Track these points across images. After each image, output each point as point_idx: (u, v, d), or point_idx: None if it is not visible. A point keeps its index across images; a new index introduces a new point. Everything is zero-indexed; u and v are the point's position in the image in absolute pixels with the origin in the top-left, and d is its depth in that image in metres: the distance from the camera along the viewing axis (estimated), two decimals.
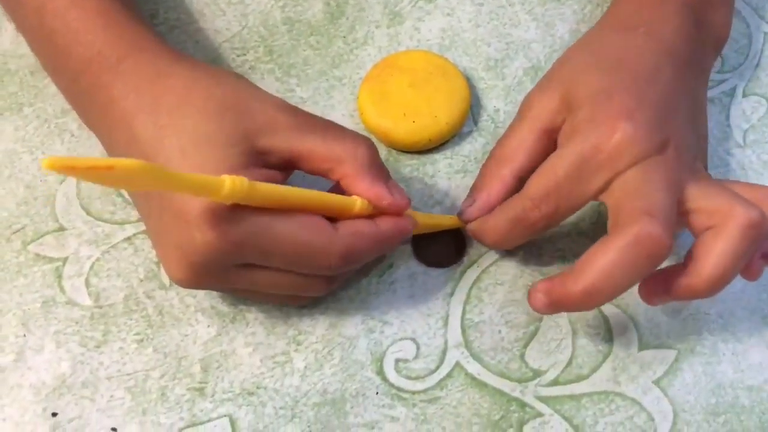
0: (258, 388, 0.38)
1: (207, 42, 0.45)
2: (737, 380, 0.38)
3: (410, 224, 0.36)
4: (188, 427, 0.37)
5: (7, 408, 0.37)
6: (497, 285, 0.40)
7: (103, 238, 0.41)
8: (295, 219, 0.33)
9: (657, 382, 0.38)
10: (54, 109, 0.43)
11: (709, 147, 0.43)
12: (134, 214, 0.41)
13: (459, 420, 0.37)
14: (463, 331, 0.39)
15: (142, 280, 0.40)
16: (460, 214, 0.39)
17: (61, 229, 0.41)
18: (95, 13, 0.36)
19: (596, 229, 0.41)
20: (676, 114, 0.36)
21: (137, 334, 0.39)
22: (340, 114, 0.44)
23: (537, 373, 0.38)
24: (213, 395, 0.38)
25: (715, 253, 0.33)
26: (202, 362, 0.38)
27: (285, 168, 0.35)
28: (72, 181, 0.42)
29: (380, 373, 0.38)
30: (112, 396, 0.38)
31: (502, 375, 0.38)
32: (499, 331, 0.39)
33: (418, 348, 0.39)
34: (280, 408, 0.37)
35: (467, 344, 0.39)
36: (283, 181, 0.35)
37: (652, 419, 0.37)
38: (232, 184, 0.29)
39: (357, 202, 0.35)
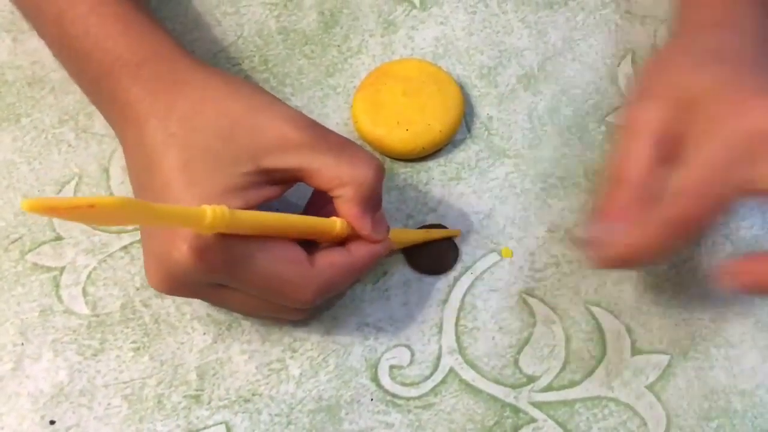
0: (254, 395, 0.38)
1: (203, 52, 0.46)
2: (730, 385, 0.38)
3: (384, 249, 0.36)
4: None
5: (5, 416, 0.38)
6: (491, 291, 0.40)
7: (100, 248, 0.41)
8: (275, 251, 0.33)
9: (650, 387, 0.38)
10: (51, 119, 0.44)
11: None
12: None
13: (453, 426, 0.37)
14: (457, 337, 0.39)
15: (138, 289, 0.40)
16: (597, 247, 0.35)
17: (59, 238, 0.41)
18: (114, 19, 0.37)
19: None
20: None
21: (134, 342, 0.39)
22: (334, 122, 0.44)
23: (531, 379, 0.38)
24: (209, 402, 0.38)
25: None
26: (198, 370, 0.39)
27: (289, 182, 0.35)
28: (69, 191, 0.42)
29: (375, 379, 0.38)
30: (109, 404, 0.38)
31: (496, 381, 0.38)
32: (493, 338, 0.39)
33: (412, 354, 0.39)
34: (276, 415, 0.38)
35: (461, 350, 0.39)
36: (283, 194, 0.35)
37: (645, 424, 0.37)
38: (213, 215, 0.29)
39: (336, 225, 0.35)
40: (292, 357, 0.39)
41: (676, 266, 0.40)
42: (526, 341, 0.39)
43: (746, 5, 0.38)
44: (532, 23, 0.47)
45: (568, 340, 0.39)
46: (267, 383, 0.38)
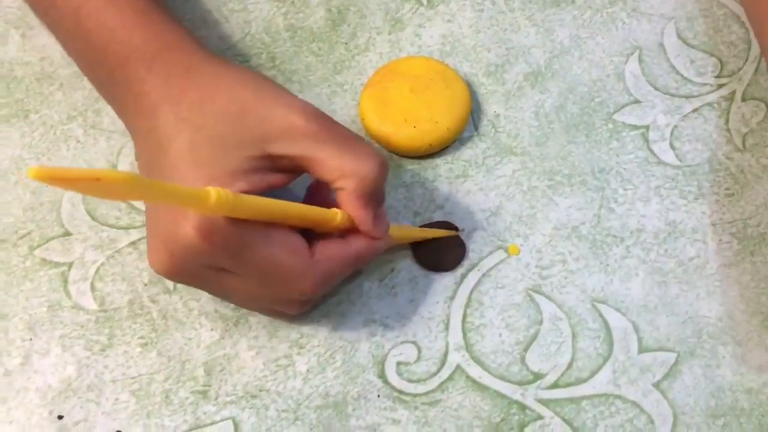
0: (261, 390, 0.38)
1: (210, 49, 0.45)
2: (737, 383, 0.38)
3: (383, 244, 0.37)
4: (192, 429, 0.37)
5: (13, 411, 0.38)
6: (498, 288, 0.40)
7: (108, 243, 0.41)
8: (277, 239, 0.33)
9: (657, 385, 0.38)
10: (60, 115, 0.44)
11: (709, 151, 0.43)
12: (139, 219, 0.42)
13: (460, 423, 0.38)
14: (464, 334, 0.39)
15: (146, 285, 0.40)
16: None
17: (67, 234, 0.41)
18: (131, 12, 0.37)
19: (596, 233, 0.41)
20: None
21: (141, 337, 0.39)
22: (341, 119, 0.44)
23: (537, 376, 0.38)
24: (216, 398, 0.38)
25: None
26: (206, 365, 0.39)
27: (294, 171, 0.36)
28: None
29: (382, 376, 0.39)
30: (117, 399, 0.38)
31: (502, 378, 0.38)
32: (500, 335, 0.39)
33: (419, 351, 0.39)
34: (283, 411, 0.38)
35: (468, 347, 0.39)
36: (288, 184, 0.36)
37: (652, 422, 0.37)
38: (218, 197, 0.29)
39: (338, 216, 0.35)
40: (299, 353, 0.39)
41: (683, 264, 0.41)
42: (533, 338, 0.39)
43: None
44: (539, 21, 0.47)
45: (574, 337, 0.39)
46: (274, 379, 0.38)
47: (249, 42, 0.46)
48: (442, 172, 0.43)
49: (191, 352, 0.39)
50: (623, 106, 0.44)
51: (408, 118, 0.42)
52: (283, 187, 0.36)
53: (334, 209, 0.35)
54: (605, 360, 0.39)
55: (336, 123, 0.36)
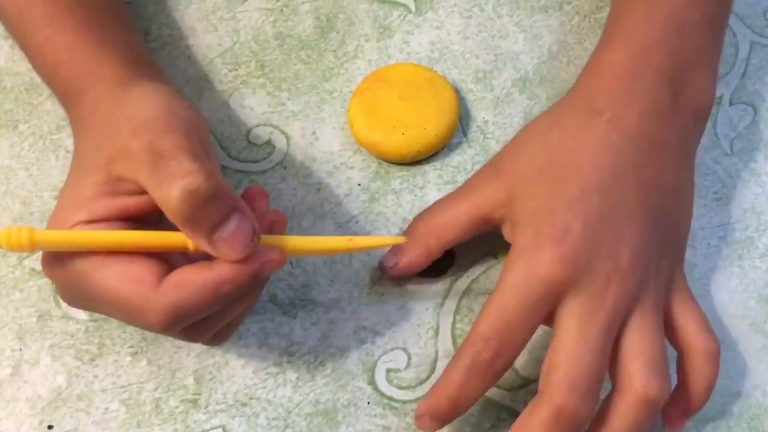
0: (251, 399, 0.38)
1: (199, 57, 0.46)
2: (726, 387, 0.38)
3: (256, 266, 0.31)
4: None
5: (3, 421, 0.38)
6: (487, 294, 0.40)
7: None
8: (114, 269, 0.31)
9: None
10: (49, 125, 0.44)
11: (697, 155, 0.43)
12: None
13: (450, 429, 0.38)
14: (454, 340, 0.39)
15: None
16: (383, 270, 0.40)
17: None
18: (63, 49, 0.38)
19: None
20: (630, 227, 0.35)
21: (131, 346, 0.39)
22: (330, 127, 0.44)
23: (527, 382, 0.39)
24: (207, 406, 0.38)
25: (611, 424, 0.33)
26: (196, 374, 0.39)
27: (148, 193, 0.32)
28: None
29: (371, 383, 0.39)
30: (107, 408, 0.38)
31: None
32: None
33: (409, 358, 0.39)
34: (273, 419, 0.38)
35: None
36: (151, 208, 0.32)
37: None
38: (8, 239, 0.30)
39: (189, 240, 0.32)
40: (289, 361, 0.39)
41: None
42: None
43: (646, 87, 0.37)
44: (527, 27, 0.47)
45: None
46: (264, 387, 0.38)
47: (238, 50, 0.46)
48: (431, 178, 0.43)
49: (181, 360, 0.39)
50: None
51: (397, 125, 0.42)
52: (143, 211, 0.32)
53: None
54: None
55: (167, 136, 0.31)
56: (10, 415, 0.38)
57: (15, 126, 0.44)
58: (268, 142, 0.44)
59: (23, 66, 0.46)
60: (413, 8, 0.47)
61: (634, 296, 0.34)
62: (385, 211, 0.42)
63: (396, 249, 0.39)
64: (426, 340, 0.39)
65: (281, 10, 0.47)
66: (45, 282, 0.41)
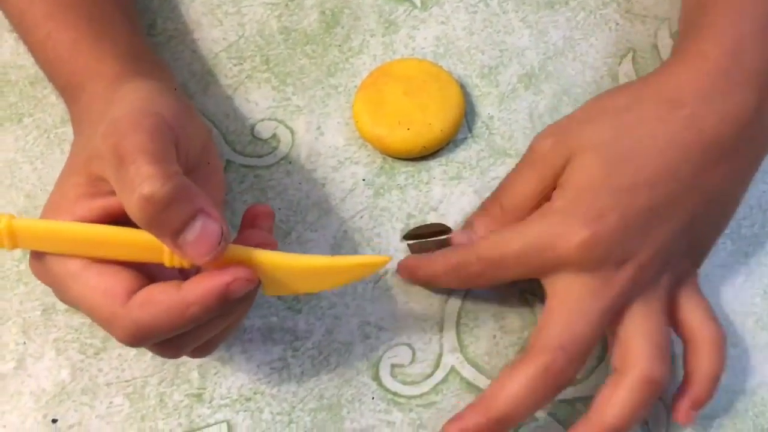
0: (255, 393, 0.38)
1: (204, 52, 0.46)
2: (731, 384, 0.38)
3: (236, 281, 0.30)
4: None
5: (7, 415, 0.38)
6: (492, 290, 0.40)
7: None
8: (88, 279, 0.31)
9: None
10: (54, 119, 0.44)
11: None
12: None
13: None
14: (458, 336, 0.39)
15: None
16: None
17: None
18: (63, 47, 0.38)
19: None
20: (663, 225, 0.34)
21: None
22: (335, 122, 0.44)
23: None
24: (211, 401, 0.38)
25: (613, 403, 0.34)
26: (200, 368, 0.39)
27: None
28: None
29: (376, 378, 0.39)
30: (111, 402, 0.38)
31: None
32: (494, 336, 0.39)
33: (413, 353, 0.39)
34: (278, 413, 0.38)
35: (462, 349, 0.39)
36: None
37: (646, 423, 0.37)
38: None
39: (164, 248, 0.30)
40: (293, 356, 0.39)
41: None
42: (528, 340, 0.39)
43: (737, 89, 0.35)
44: (533, 23, 0.47)
45: None
46: (268, 382, 0.38)
47: (243, 44, 0.46)
48: (435, 174, 0.43)
49: None
50: None
51: (402, 120, 0.42)
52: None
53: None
54: (599, 361, 0.39)
55: (132, 135, 0.30)
56: (14, 409, 0.38)
57: (19, 119, 0.44)
58: (273, 137, 0.44)
59: (28, 59, 0.45)
60: (419, 3, 0.47)
61: (643, 287, 0.35)
62: (390, 206, 0.42)
63: (469, 223, 0.39)
64: (431, 335, 0.39)
65: (286, 5, 0.47)
66: None
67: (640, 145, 0.35)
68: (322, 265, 0.32)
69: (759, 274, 0.41)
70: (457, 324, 0.40)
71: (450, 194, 0.42)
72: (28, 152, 0.43)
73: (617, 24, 0.47)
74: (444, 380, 0.38)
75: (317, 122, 0.44)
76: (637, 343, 0.34)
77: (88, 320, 0.40)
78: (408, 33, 0.46)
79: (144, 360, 0.39)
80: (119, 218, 0.31)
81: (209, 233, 0.30)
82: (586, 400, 0.38)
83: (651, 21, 0.47)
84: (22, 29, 0.40)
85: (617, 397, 0.34)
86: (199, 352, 0.34)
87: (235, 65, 0.45)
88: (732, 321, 0.40)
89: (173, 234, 0.29)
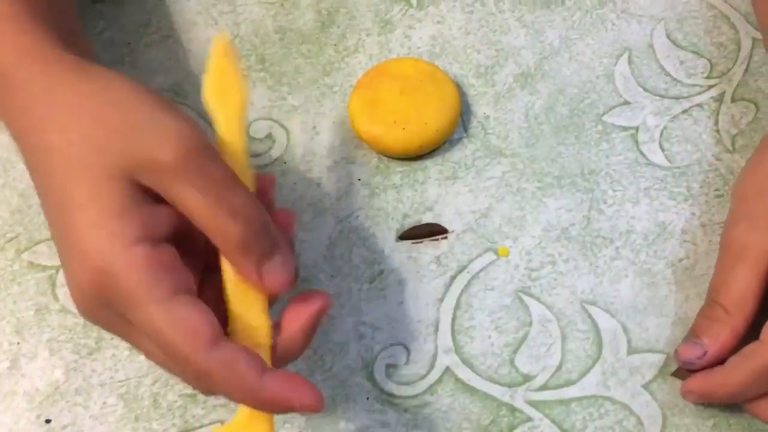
0: None
1: (199, 51, 0.46)
2: None
3: (307, 401, 0.30)
4: None
5: (1, 415, 0.38)
6: (487, 290, 0.40)
7: None
8: (176, 310, 0.29)
9: (646, 387, 0.38)
10: None
11: (698, 152, 0.43)
12: None
13: (449, 425, 0.37)
14: (453, 336, 0.39)
15: None
16: (683, 363, 0.37)
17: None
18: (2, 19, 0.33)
19: (585, 235, 0.41)
20: None
21: None
22: (331, 121, 0.44)
23: (527, 378, 0.38)
24: (205, 401, 0.38)
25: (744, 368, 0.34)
26: None
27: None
28: None
29: (371, 378, 0.38)
30: (105, 403, 0.38)
31: (491, 380, 0.38)
32: (489, 337, 0.39)
33: (408, 354, 0.39)
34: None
35: (457, 350, 0.39)
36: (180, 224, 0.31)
37: (642, 423, 0.37)
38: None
39: (263, 329, 0.31)
40: None
41: (673, 265, 0.41)
42: (522, 340, 0.39)
43: None
44: (529, 22, 0.47)
45: (564, 339, 0.39)
46: None
47: (238, 44, 0.46)
48: (431, 173, 0.43)
49: None
50: (613, 108, 0.44)
51: (397, 120, 0.42)
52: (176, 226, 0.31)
53: (263, 318, 0.31)
54: (594, 361, 0.39)
55: (214, 160, 0.30)
56: (7, 409, 0.38)
57: None
58: (269, 137, 0.44)
59: None
60: (414, 3, 0.47)
61: None
62: (385, 206, 0.42)
63: (693, 335, 0.37)
64: (426, 335, 0.39)
65: (282, 4, 0.47)
66: (43, 275, 0.40)
67: None
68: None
69: None
70: (452, 324, 0.40)
71: (445, 194, 0.42)
72: None
73: (613, 24, 0.47)
74: (439, 381, 0.38)
75: (312, 122, 0.44)
76: None
77: (81, 320, 0.39)
78: (404, 32, 0.46)
79: (138, 360, 0.39)
80: (172, 230, 0.30)
81: (289, 265, 0.31)
82: (582, 401, 0.38)
83: (647, 21, 0.47)
84: None
85: (751, 366, 0.34)
86: None
87: None
88: None
89: (260, 259, 0.31)
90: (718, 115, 0.44)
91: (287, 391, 0.30)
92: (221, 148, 0.32)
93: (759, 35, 0.46)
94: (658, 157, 0.43)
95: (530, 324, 0.39)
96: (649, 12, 0.47)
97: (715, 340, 0.36)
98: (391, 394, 0.38)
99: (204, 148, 0.30)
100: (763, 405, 0.35)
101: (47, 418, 0.38)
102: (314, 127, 0.44)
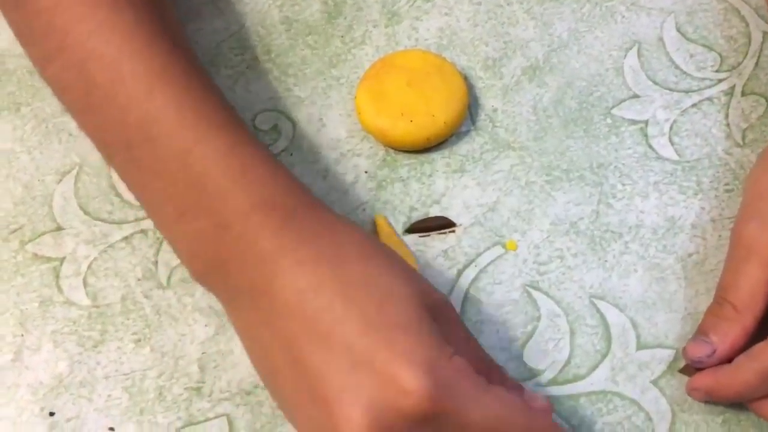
0: (255, 387, 0.38)
1: (205, 42, 0.45)
2: None
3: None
4: (186, 426, 0.37)
5: (4, 408, 0.37)
6: (495, 284, 0.40)
7: (101, 238, 0.41)
8: (499, 392, 0.31)
9: (655, 382, 0.38)
10: (52, 108, 0.44)
11: (708, 146, 0.43)
12: (131, 214, 0.41)
13: None
14: None
15: (139, 280, 0.40)
16: (692, 361, 0.36)
17: (59, 228, 0.41)
18: (260, 161, 0.33)
19: (594, 229, 0.41)
20: None
21: (135, 333, 0.39)
22: (337, 113, 0.44)
23: (535, 373, 0.38)
24: (210, 395, 0.38)
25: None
26: (200, 362, 0.38)
27: None
28: (69, 180, 0.42)
29: None
30: (109, 395, 0.38)
31: None
32: (497, 331, 0.39)
33: None
34: (277, 407, 0.37)
35: None
36: None
37: (651, 419, 0.37)
38: None
39: None
40: None
41: (682, 260, 0.40)
42: (531, 335, 0.39)
43: None
44: (538, 15, 0.46)
45: (572, 333, 0.39)
46: None
47: (244, 35, 0.45)
48: (438, 166, 0.42)
49: (185, 348, 0.38)
50: (622, 101, 0.44)
51: (405, 112, 0.42)
52: None
53: None
54: (603, 357, 0.38)
55: (449, 318, 0.33)
56: (11, 402, 0.37)
57: (17, 109, 0.44)
58: (275, 128, 0.43)
59: None
60: None
61: None
62: (392, 199, 0.42)
63: (701, 333, 0.36)
64: None
65: None
66: (47, 267, 0.40)
67: None
68: None
69: None
70: (461, 317, 0.39)
71: (453, 187, 0.42)
72: (26, 142, 0.43)
73: (623, 16, 0.46)
74: None
75: (319, 114, 0.44)
76: None
77: (86, 312, 0.39)
78: (411, 24, 0.46)
79: (143, 353, 0.38)
80: None
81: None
82: (591, 396, 0.37)
83: (657, 13, 0.47)
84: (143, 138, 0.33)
85: (757, 367, 0.34)
86: None
87: (236, 55, 0.45)
88: None
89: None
90: (728, 108, 0.44)
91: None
92: None
93: None
94: (667, 151, 0.43)
95: (538, 318, 0.39)
96: (659, 5, 0.47)
97: (725, 339, 0.35)
98: None
99: (440, 305, 0.33)
100: (767, 405, 0.35)
101: (51, 410, 0.37)
102: (320, 119, 0.43)
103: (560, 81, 0.45)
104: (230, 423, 0.37)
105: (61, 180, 0.42)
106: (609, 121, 0.44)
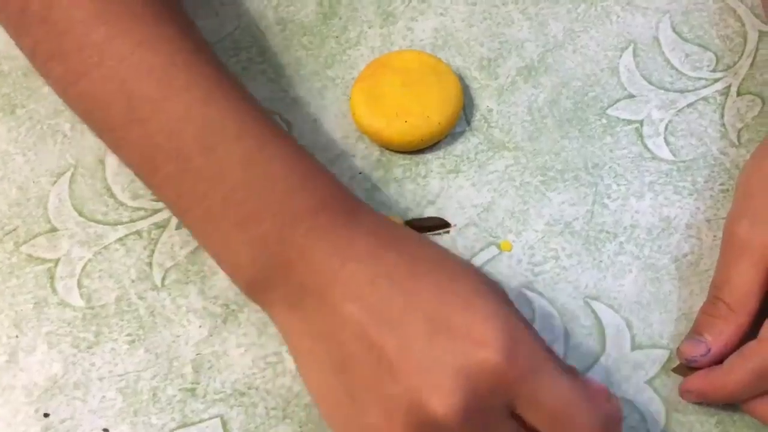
0: (249, 388, 0.38)
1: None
2: None
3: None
4: (180, 427, 0.37)
5: None
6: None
7: (95, 239, 0.41)
8: (572, 376, 0.31)
9: (650, 382, 0.38)
10: (47, 110, 0.44)
11: (703, 146, 0.43)
12: (126, 216, 0.41)
13: None
14: None
15: (134, 281, 0.40)
16: (686, 361, 0.36)
17: (54, 230, 0.41)
18: (316, 163, 0.34)
19: (589, 229, 0.41)
20: None
21: (129, 335, 0.39)
22: (332, 114, 0.44)
23: None
24: (204, 396, 0.38)
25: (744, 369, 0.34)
26: (194, 363, 0.38)
27: None
28: (65, 182, 0.42)
29: None
30: (103, 397, 0.38)
31: None
32: None
33: None
34: (272, 408, 0.37)
35: None
36: None
37: (645, 419, 0.37)
38: None
39: None
40: (288, 350, 0.38)
41: (677, 260, 0.40)
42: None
43: None
44: (533, 15, 0.46)
45: (567, 334, 0.39)
46: (263, 377, 0.38)
47: (239, 35, 0.45)
48: (433, 167, 0.42)
49: (179, 349, 0.38)
50: (617, 101, 0.44)
51: (399, 113, 0.42)
52: None
53: None
54: (598, 357, 0.38)
55: (531, 340, 0.31)
56: (5, 403, 0.37)
57: (12, 110, 0.44)
58: None
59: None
60: None
61: None
62: (387, 200, 0.42)
63: (695, 332, 0.36)
64: None
65: None
66: (42, 268, 0.40)
67: None
68: None
69: None
70: None
71: (448, 188, 0.42)
72: (21, 143, 0.43)
73: (618, 16, 0.46)
74: None
75: (314, 114, 0.44)
76: None
77: (80, 314, 0.39)
78: (406, 24, 0.46)
79: (137, 354, 0.38)
80: None
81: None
82: None
83: (652, 13, 0.46)
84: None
85: (749, 366, 0.34)
86: None
87: (231, 56, 0.45)
88: None
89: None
90: (723, 108, 0.44)
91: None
92: None
93: (765, 28, 0.46)
94: (662, 151, 0.43)
95: (533, 319, 0.39)
96: (654, 4, 0.47)
97: (719, 338, 0.36)
98: None
99: (519, 330, 0.31)
100: (760, 405, 0.35)
101: (46, 412, 0.37)
102: (315, 120, 0.43)
103: (555, 81, 0.44)
104: (224, 424, 0.37)
105: (55, 181, 0.42)
106: (604, 121, 0.44)
